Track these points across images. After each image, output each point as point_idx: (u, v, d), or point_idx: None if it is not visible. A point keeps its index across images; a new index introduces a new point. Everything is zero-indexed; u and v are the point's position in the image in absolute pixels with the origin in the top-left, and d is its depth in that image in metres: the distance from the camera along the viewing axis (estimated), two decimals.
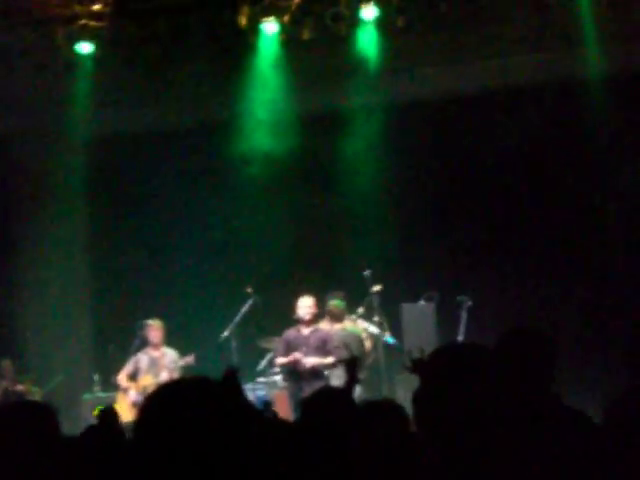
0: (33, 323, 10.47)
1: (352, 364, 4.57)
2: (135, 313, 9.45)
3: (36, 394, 9.31)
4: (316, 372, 8.27)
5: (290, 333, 8.50)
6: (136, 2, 9.06)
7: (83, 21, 9.07)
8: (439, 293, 9.10)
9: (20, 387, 9.31)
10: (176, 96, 9.96)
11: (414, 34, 9.10)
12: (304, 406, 3.30)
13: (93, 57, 9.30)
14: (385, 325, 9.03)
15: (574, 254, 9.65)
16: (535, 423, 2.97)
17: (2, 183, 10.69)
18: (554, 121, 9.62)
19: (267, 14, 8.93)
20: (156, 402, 1.53)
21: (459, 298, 8.93)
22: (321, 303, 8.80)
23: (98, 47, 9.21)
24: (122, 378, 9.07)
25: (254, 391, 9.15)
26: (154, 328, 9.13)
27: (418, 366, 4.15)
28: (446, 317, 9.01)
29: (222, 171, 10.15)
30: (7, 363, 9.43)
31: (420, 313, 9.16)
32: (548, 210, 9.80)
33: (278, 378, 9.15)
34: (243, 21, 9.01)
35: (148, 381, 8.86)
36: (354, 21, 8.96)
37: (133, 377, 9.06)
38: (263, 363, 9.25)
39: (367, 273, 8.95)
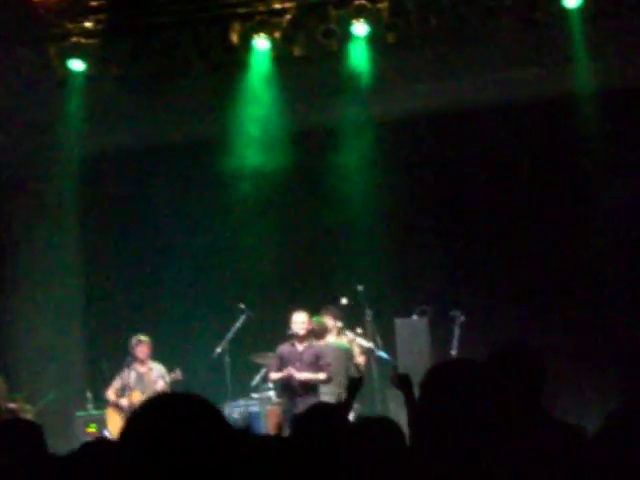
0: (25, 340, 10.43)
1: (355, 385, 4.52)
2: (128, 330, 9.42)
3: (29, 412, 9.26)
4: (309, 388, 8.25)
5: (284, 348, 8.49)
6: (128, 19, 9.09)
7: (75, 38, 9.10)
8: (432, 308, 9.11)
9: (12, 405, 9.26)
10: (168, 113, 9.99)
11: (405, 50, 9.14)
12: (296, 422, 3.30)
13: (85, 74, 9.32)
14: (378, 340, 9.04)
15: (566, 269, 9.67)
16: (526, 437, 2.97)
17: None
18: (545, 136, 9.67)
19: (258, 30, 8.97)
20: (140, 417, 1.54)
21: (452, 313, 8.93)
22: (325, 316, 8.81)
23: (90, 64, 9.23)
24: (110, 394, 9.07)
25: (247, 407, 9.13)
26: (140, 344, 9.12)
27: (403, 382, 4.16)
28: (439, 332, 9.01)
29: (215, 187, 10.16)
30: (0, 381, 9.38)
31: (413, 328, 9.17)
32: (540, 225, 9.83)
33: (272, 394, 9.13)
34: (234, 38, 9.04)
35: (137, 397, 8.84)
36: (345, 37, 9.00)
37: (121, 393, 9.04)
38: (257, 379, 9.23)
39: (360, 288, 8.96)
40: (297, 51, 9.08)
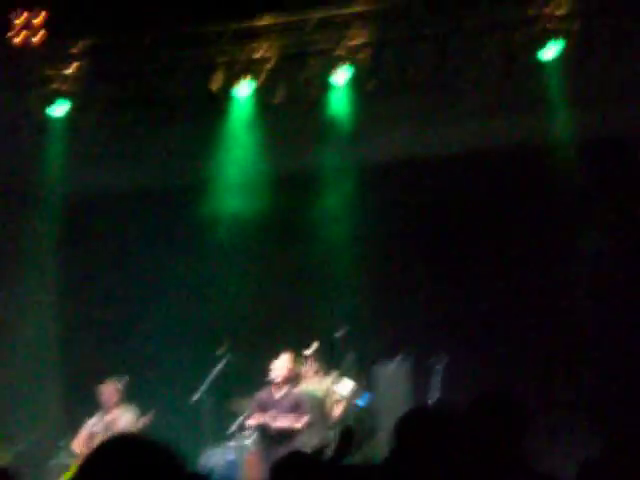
0: (2, 387, 10.28)
1: (347, 436, 4.44)
2: (106, 375, 9.32)
3: (4, 458, 9.09)
4: (288, 435, 8.17)
5: (263, 395, 8.42)
6: (109, 65, 9.16)
7: (55, 84, 9.15)
8: (413, 352, 9.10)
9: None
10: (148, 158, 10.03)
11: (384, 98, 9.26)
12: (273, 471, 3.27)
13: (66, 119, 9.35)
14: (363, 381, 9.00)
15: (545, 317, 9.70)
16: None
17: None
18: (523, 184, 9.77)
19: (240, 78, 9.05)
20: (91, 462, 1.53)
21: (433, 358, 8.92)
22: (297, 362, 8.76)
23: (71, 109, 9.27)
24: (77, 445, 8.86)
25: (224, 455, 9.02)
26: (107, 391, 8.97)
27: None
28: (420, 377, 8.99)
29: (194, 231, 10.17)
30: None
31: (394, 373, 9.14)
32: (520, 272, 9.89)
33: (249, 442, 9.02)
34: (215, 86, 9.12)
35: None
36: (325, 85, 9.11)
37: (88, 443, 8.84)
38: (233, 427, 9.12)
39: (340, 334, 8.94)
40: (278, 98, 9.18)
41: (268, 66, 8.98)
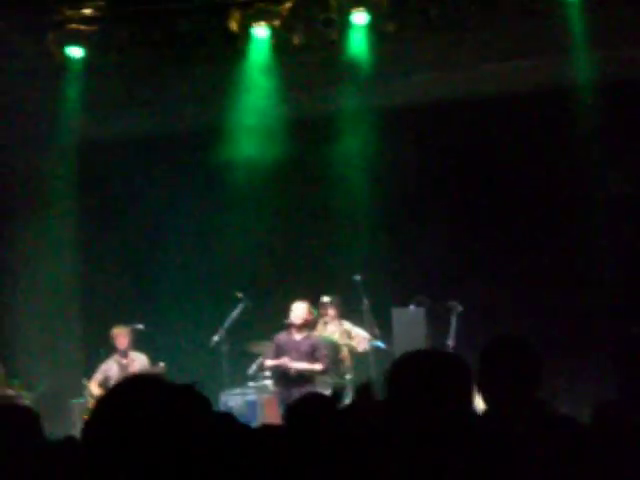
0: (22, 328, 10.43)
1: (365, 390, 4.41)
2: (126, 319, 9.43)
3: (26, 398, 9.27)
4: (306, 377, 8.26)
5: (281, 337, 8.50)
6: (126, 6, 9.05)
7: (73, 25, 9.07)
8: (430, 298, 9.11)
9: (10, 391, 9.26)
10: (166, 101, 9.96)
11: (405, 39, 9.12)
12: (289, 411, 3.30)
13: (83, 61, 9.29)
14: (376, 329, 9.06)
15: (565, 262, 9.66)
16: (521, 428, 2.97)
17: None
18: (544, 127, 9.65)
19: (258, 19, 8.93)
20: (110, 400, 1.52)
21: (449, 303, 8.94)
22: (314, 308, 8.82)
23: (88, 51, 9.21)
24: (93, 387, 9.04)
25: (243, 395, 9.14)
26: (120, 334, 9.10)
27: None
28: (436, 322, 9.01)
29: (212, 176, 10.15)
30: None
31: (410, 318, 9.16)
32: (539, 216, 9.83)
33: (268, 383, 9.15)
34: (234, 26, 9.01)
35: None
36: (345, 26, 8.98)
37: (104, 385, 9.01)
38: (253, 368, 9.23)
39: (357, 278, 8.96)
40: (296, 40, 9.05)
41: (287, 5, 8.84)
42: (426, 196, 10.20)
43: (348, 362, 9.07)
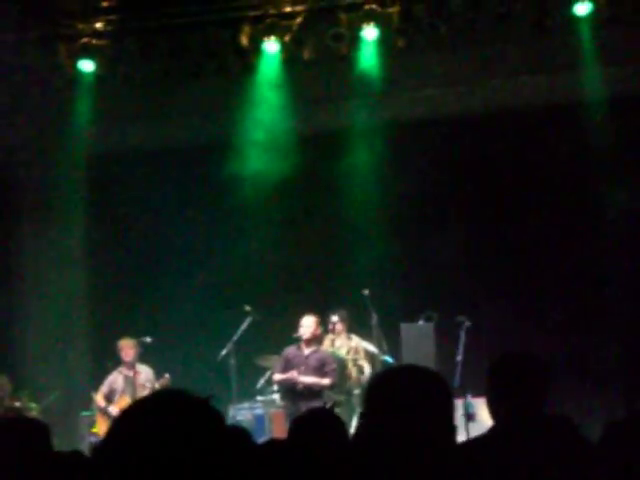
0: (30, 339, 10.45)
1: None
2: (134, 331, 9.44)
3: (33, 410, 9.27)
4: (314, 392, 8.25)
5: (290, 351, 8.49)
6: (138, 20, 9.12)
7: (85, 39, 9.15)
8: (438, 313, 9.09)
9: (17, 403, 9.27)
10: (176, 114, 10.01)
11: (415, 55, 9.15)
12: (292, 426, 3.29)
13: (95, 74, 9.36)
14: (384, 344, 9.04)
15: (573, 277, 9.64)
16: (530, 444, 2.96)
17: (3, 197, 10.72)
18: (553, 142, 9.65)
19: (268, 33, 8.98)
20: (130, 418, 1.51)
21: (458, 319, 8.91)
22: (323, 322, 8.82)
23: (100, 65, 9.27)
24: (99, 399, 9.03)
25: (251, 410, 9.13)
26: (126, 347, 9.10)
27: None
28: (445, 337, 8.99)
29: (221, 189, 10.16)
30: (4, 379, 9.38)
31: (419, 333, 9.14)
32: (548, 232, 9.81)
33: (276, 397, 9.13)
34: (244, 40, 9.06)
35: (125, 402, 8.76)
36: (355, 41, 9.01)
37: (110, 398, 9.02)
38: (261, 382, 9.23)
39: (366, 292, 8.96)
40: (307, 54, 9.10)
41: (298, 20, 8.89)
42: (435, 211, 10.20)
43: (355, 378, 9.05)
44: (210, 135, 10.23)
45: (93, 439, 8.84)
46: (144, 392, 8.78)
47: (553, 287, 9.66)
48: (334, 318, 9.04)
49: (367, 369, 9.07)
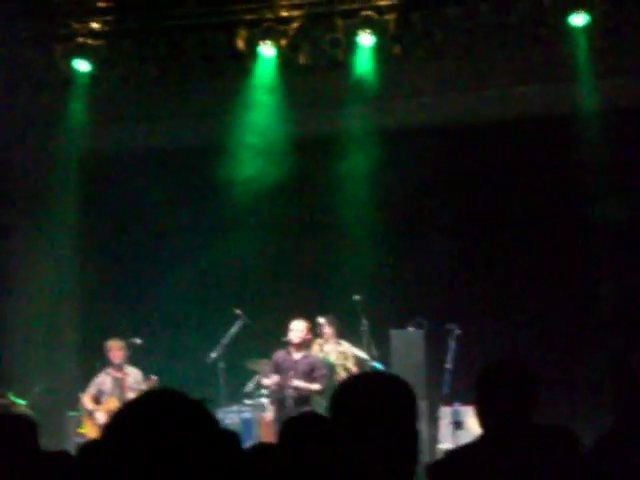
0: (17, 338, 10.41)
1: None
2: (123, 331, 9.41)
3: (20, 407, 9.20)
4: (302, 397, 8.23)
5: (280, 355, 8.48)
6: (134, 22, 9.12)
7: (81, 39, 9.13)
8: (428, 320, 9.10)
9: (2, 400, 9.18)
10: (170, 116, 9.99)
11: (411, 62, 9.17)
12: (282, 431, 3.28)
13: (90, 75, 9.35)
14: (374, 350, 9.04)
15: (564, 285, 9.67)
16: (518, 452, 2.96)
17: None
18: (547, 153, 9.68)
19: (265, 37, 8.99)
20: (123, 420, 1.51)
21: (448, 326, 8.92)
22: (313, 327, 8.81)
23: (95, 65, 9.26)
24: (86, 401, 8.96)
25: (240, 413, 9.11)
26: (115, 348, 9.03)
27: None
28: (435, 344, 9.00)
29: (213, 192, 10.15)
30: None
31: (409, 340, 9.16)
32: (538, 240, 9.84)
33: (265, 401, 9.12)
34: (240, 44, 9.07)
35: (113, 404, 8.72)
36: (351, 47, 9.03)
37: (97, 399, 8.97)
38: (250, 385, 9.21)
39: (357, 298, 8.96)
40: (302, 59, 9.11)
41: (294, 25, 8.90)
42: (428, 218, 10.21)
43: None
44: (204, 138, 10.22)
45: (79, 440, 8.80)
46: (132, 394, 8.74)
47: (544, 296, 9.68)
48: (321, 320, 9.03)
49: None
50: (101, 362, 9.22)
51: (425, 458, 8.15)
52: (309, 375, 8.30)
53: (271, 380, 8.36)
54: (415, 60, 9.09)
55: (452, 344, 8.79)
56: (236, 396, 9.21)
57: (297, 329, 8.44)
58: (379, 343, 9.08)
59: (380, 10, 8.81)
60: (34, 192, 10.67)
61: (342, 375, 9.09)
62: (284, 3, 8.97)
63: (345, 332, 9.23)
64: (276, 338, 8.55)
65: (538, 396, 3.10)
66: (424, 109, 9.86)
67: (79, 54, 9.23)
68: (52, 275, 10.62)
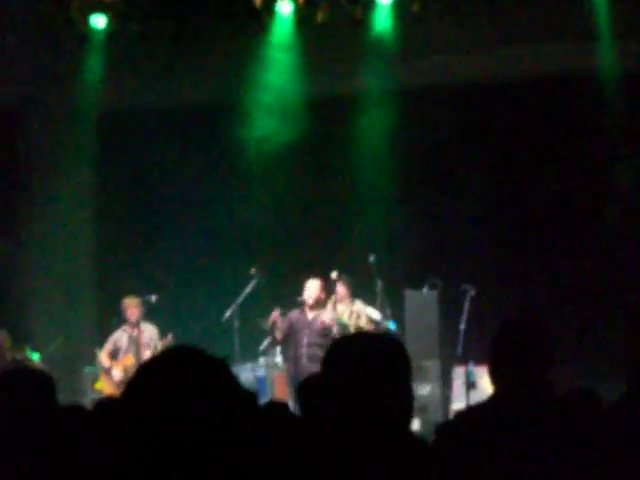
0: (36, 295, 10.49)
1: None
2: (139, 288, 9.47)
3: (36, 361, 9.24)
4: (316, 356, 8.27)
5: (294, 315, 8.50)
6: None
7: None
8: (443, 281, 9.10)
9: (18, 355, 9.24)
10: (188, 73, 9.94)
11: (430, 20, 9.05)
12: (298, 390, 3.29)
13: (106, 31, 9.30)
14: (388, 311, 9.05)
15: (580, 245, 9.63)
16: (530, 412, 2.97)
17: (12, 153, 10.70)
18: (566, 112, 9.57)
19: None
20: (144, 377, 1.51)
21: (463, 287, 8.91)
22: (328, 286, 8.81)
23: (112, 21, 9.20)
24: (103, 358, 9.05)
25: (253, 371, 9.17)
26: (131, 305, 9.09)
27: None
28: (449, 305, 9.00)
29: (230, 150, 10.13)
30: (3, 333, 9.28)
31: (423, 300, 9.16)
32: (556, 200, 9.78)
33: (279, 360, 9.17)
34: (258, 1, 8.97)
35: (129, 360, 8.84)
36: (370, 4, 8.92)
37: (114, 356, 9.06)
38: (264, 344, 9.26)
39: (371, 258, 8.95)
40: (320, 17, 9.01)
41: None
42: (444, 177, 10.15)
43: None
44: (220, 95, 10.16)
45: (95, 396, 8.89)
46: (148, 351, 8.83)
47: (559, 256, 9.64)
48: (333, 275, 8.97)
49: None
50: (117, 319, 9.29)
51: (438, 418, 8.21)
52: (323, 334, 8.33)
53: (271, 318, 8.35)
54: (434, 18, 8.97)
55: (466, 305, 8.79)
56: (250, 354, 9.27)
57: (311, 288, 8.45)
58: (393, 303, 9.09)
59: None
60: (52, 148, 10.68)
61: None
62: None
63: (359, 292, 9.24)
64: (290, 297, 8.57)
65: (553, 357, 3.10)
66: (443, 67, 9.76)
67: (96, 10, 9.17)
68: (69, 233, 10.67)
